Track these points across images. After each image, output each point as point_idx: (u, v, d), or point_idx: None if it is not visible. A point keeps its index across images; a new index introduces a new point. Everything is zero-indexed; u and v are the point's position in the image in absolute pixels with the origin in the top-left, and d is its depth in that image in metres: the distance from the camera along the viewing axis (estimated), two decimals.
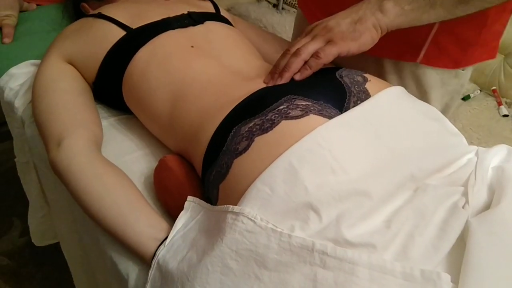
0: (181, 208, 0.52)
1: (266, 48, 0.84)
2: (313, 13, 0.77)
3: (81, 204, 0.55)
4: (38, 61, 0.81)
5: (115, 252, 0.55)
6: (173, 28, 0.69)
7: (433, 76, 0.70)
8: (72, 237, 0.72)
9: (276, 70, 0.58)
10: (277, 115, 0.49)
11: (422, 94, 0.72)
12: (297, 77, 0.56)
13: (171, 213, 0.57)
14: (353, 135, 0.48)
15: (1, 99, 0.79)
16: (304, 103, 0.51)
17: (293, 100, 0.51)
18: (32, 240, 0.98)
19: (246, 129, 0.49)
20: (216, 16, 0.78)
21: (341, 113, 0.51)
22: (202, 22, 0.73)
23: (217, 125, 0.52)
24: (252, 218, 0.43)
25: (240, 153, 0.48)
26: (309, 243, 0.41)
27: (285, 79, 0.56)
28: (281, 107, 0.49)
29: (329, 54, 0.54)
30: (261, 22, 1.90)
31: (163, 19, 0.71)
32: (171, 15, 0.72)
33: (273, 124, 0.48)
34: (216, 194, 0.51)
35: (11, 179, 1.63)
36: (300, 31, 0.91)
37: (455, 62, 0.69)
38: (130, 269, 0.53)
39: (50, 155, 0.58)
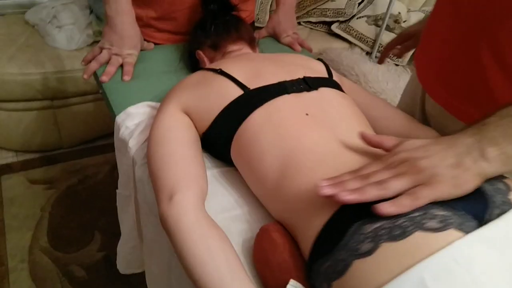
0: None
1: (373, 113, 0.82)
2: (437, 92, 0.73)
3: (183, 263, 0.56)
4: (154, 103, 0.86)
5: None
6: (288, 93, 0.70)
7: None
8: (162, 281, 0.73)
9: (342, 185, 0.49)
10: (409, 223, 0.45)
11: None
12: (384, 209, 0.45)
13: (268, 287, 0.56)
14: (498, 254, 0.43)
15: (116, 135, 0.84)
16: (442, 213, 0.46)
17: (429, 208, 0.46)
18: (118, 268, 1.02)
19: (371, 230, 0.46)
20: (329, 82, 0.78)
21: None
22: (316, 88, 0.73)
23: (334, 211, 0.50)
24: None
25: (362, 255, 0.45)
26: None
27: (352, 200, 0.47)
28: (415, 214, 0.46)
29: (426, 197, 0.46)
30: (353, 70, 1.88)
31: (279, 83, 0.72)
32: (287, 79, 0.73)
33: (404, 233, 0.44)
34: None
35: (98, 193, 1.75)
36: (412, 95, 0.87)
37: None
38: None
39: (161, 208, 0.60)
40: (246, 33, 0.95)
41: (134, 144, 0.79)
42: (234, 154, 0.70)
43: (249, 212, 0.68)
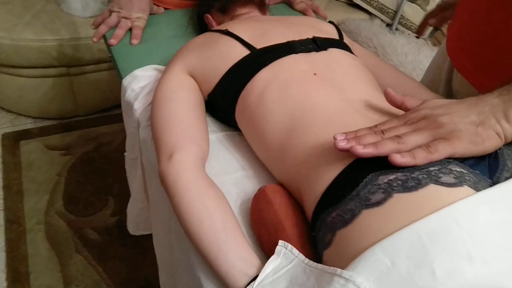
0: (275, 246, 0.50)
1: (384, 77, 0.79)
2: (463, 64, 0.70)
3: (180, 221, 0.56)
4: (161, 66, 0.86)
5: (203, 275, 0.55)
6: (296, 52, 0.68)
7: None
8: (164, 241, 0.75)
9: (358, 140, 0.48)
10: (425, 176, 0.43)
11: None
12: (398, 159, 0.44)
13: (263, 247, 0.56)
14: (500, 219, 0.41)
15: (123, 97, 0.85)
16: (459, 169, 0.45)
17: (447, 163, 0.45)
18: (128, 229, 1.05)
19: (385, 181, 0.44)
20: (339, 43, 0.76)
21: None
22: (325, 49, 0.71)
23: (347, 164, 0.49)
24: None
25: (372, 205, 0.43)
26: None
27: (368, 153, 0.46)
28: (432, 168, 0.44)
29: (442, 151, 0.45)
30: (371, 42, 1.83)
31: (287, 42, 0.70)
32: (296, 39, 0.71)
33: (418, 185, 0.43)
34: (329, 239, 0.47)
35: (112, 160, 1.78)
36: (438, 71, 0.84)
37: None
38: None
39: (160, 166, 0.61)
40: None
41: (139, 106, 0.79)
42: (238, 116, 0.70)
43: (251, 175, 0.68)
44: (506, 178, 0.46)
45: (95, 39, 0.97)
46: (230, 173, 0.68)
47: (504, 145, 0.48)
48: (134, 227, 1.01)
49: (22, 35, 1.52)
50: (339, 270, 0.41)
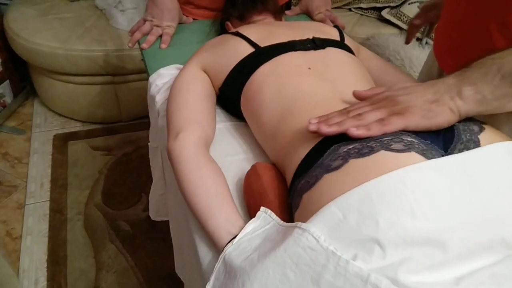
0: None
1: (385, 79, 0.85)
2: (449, 64, 0.75)
3: (180, 189, 0.65)
4: (182, 66, 0.96)
5: (198, 237, 0.63)
6: (296, 50, 0.76)
7: None
8: (178, 223, 0.83)
9: (326, 121, 0.54)
10: (378, 144, 0.49)
11: None
12: (354, 131, 0.51)
13: (251, 214, 0.63)
14: (445, 182, 0.46)
15: (148, 92, 0.96)
16: (409, 139, 0.50)
17: (400, 134, 0.51)
18: (149, 214, 1.15)
19: (345, 150, 0.51)
20: (339, 44, 0.83)
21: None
22: (324, 48, 0.78)
23: (318, 141, 0.56)
24: (316, 237, 0.45)
25: (332, 169, 0.50)
26: (364, 274, 0.41)
27: (331, 131, 0.53)
28: (385, 138, 0.50)
29: (395, 124, 0.51)
30: (398, 55, 1.86)
31: (288, 41, 0.78)
32: (297, 38, 0.79)
33: (371, 151, 0.49)
34: (298, 202, 0.54)
35: (148, 161, 1.91)
36: (429, 75, 0.88)
37: None
38: (204, 255, 0.61)
39: (168, 143, 0.70)
40: (271, 4, 1.02)
41: (160, 98, 0.90)
42: (242, 106, 0.78)
43: (251, 158, 0.76)
44: (460, 150, 0.51)
45: (130, 44, 1.10)
46: (233, 156, 0.76)
47: (461, 121, 0.53)
48: (154, 212, 1.10)
49: (75, 46, 1.71)
50: (299, 223, 0.48)
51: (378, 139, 0.50)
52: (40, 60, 1.75)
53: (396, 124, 0.51)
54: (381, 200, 0.44)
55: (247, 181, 0.66)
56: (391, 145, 0.49)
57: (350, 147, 0.51)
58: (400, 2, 2.06)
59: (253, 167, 0.65)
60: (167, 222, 0.95)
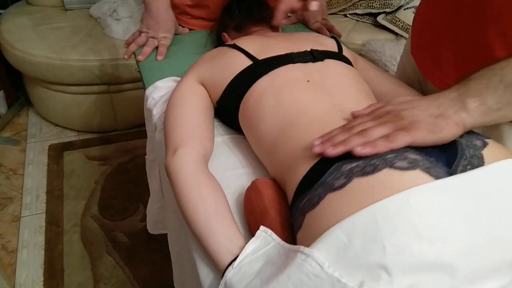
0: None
1: (383, 90, 0.84)
2: (424, 61, 0.75)
3: (180, 207, 0.64)
4: (179, 78, 0.95)
5: (198, 256, 0.62)
6: (294, 63, 0.75)
7: None
8: (175, 233, 0.82)
9: (331, 141, 0.53)
10: (382, 162, 0.48)
11: None
12: (360, 151, 0.50)
13: (252, 232, 0.62)
14: (451, 204, 0.45)
15: (145, 105, 0.95)
16: (413, 156, 0.49)
17: (404, 151, 0.50)
18: (147, 227, 1.13)
19: (348, 168, 0.50)
20: (337, 55, 0.82)
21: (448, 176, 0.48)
22: (322, 60, 0.77)
23: (320, 158, 0.55)
24: (320, 264, 0.44)
25: (335, 189, 0.49)
26: None
27: (337, 153, 0.51)
28: (389, 155, 0.49)
29: (401, 140, 0.50)
30: (395, 60, 1.86)
31: (286, 54, 0.78)
32: (295, 51, 0.78)
33: (375, 170, 0.48)
34: (301, 222, 0.53)
35: (145, 171, 1.89)
36: (404, 66, 0.88)
37: None
38: (205, 276, 0.60)
39: (166, 160, 0.69)
40: (268, 15, 1.02)
41: (157, 112, 0.89)
42: (241, 119, 0.77)
43: (250, 172, 0.75)
44: (464, 166, 0.50)
45: (126, 56, 1.09)
46: (232, 170, 0.75)
47: (463, 135, 0.53)
48: (152, 225, 1.09)
49: (70, 56, 1.70)
50: (302, 247, 0.46)
51: (381, 156, 0.49)
52: (35, 70, 1.74)
53: (403, 140, 0.50)
54: (387, 224, 0.43)
55: (247, 198, 0.65)
56: (395, 162, 0.48)
57: (353, 165, 0.50)
58: (395, 7, 2.07)
59: (254, 184, 0.64)
60: (165, 233, 0.94)
